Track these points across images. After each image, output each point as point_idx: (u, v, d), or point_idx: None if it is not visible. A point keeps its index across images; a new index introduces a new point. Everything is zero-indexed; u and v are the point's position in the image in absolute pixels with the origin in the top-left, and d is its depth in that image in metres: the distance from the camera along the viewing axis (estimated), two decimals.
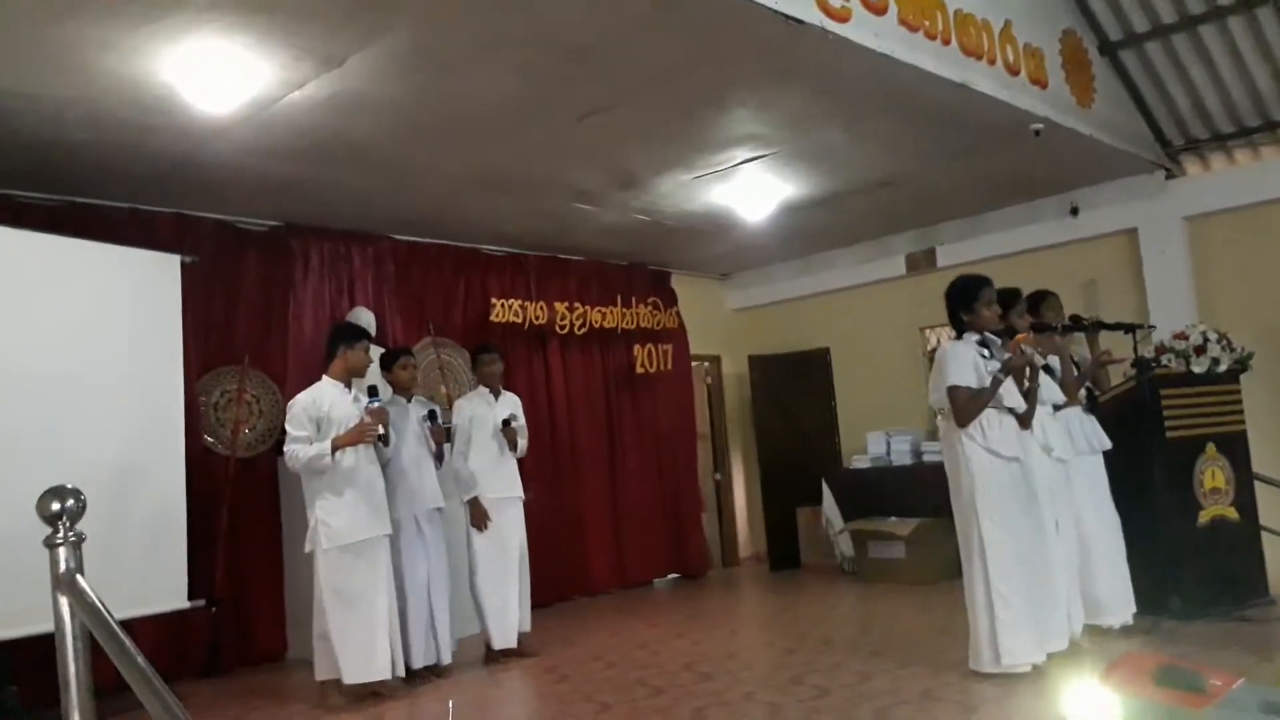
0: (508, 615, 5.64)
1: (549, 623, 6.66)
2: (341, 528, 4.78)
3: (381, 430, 4.88)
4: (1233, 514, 5.31)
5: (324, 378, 5.00)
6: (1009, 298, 4.83)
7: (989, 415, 4.31)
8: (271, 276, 6.48)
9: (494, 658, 5.62)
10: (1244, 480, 5.38)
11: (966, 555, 4.35)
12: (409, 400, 5.54)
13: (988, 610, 4.21)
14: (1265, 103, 6.67)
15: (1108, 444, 5.01)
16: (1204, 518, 5.22)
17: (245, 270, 6.38)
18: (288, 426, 4.86)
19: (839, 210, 7.53)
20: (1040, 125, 5.78)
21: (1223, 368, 5.33)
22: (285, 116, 4.78)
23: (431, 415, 5.54)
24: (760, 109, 5.37)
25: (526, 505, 5.95)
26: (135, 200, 5.86)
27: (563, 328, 7.94)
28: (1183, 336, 5.38)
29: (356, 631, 4.76)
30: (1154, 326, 5.96)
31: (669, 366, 8.78)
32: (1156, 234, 7.26)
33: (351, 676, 4.76)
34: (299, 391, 6.35)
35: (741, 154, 6.08)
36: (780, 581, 8.29)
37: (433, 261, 7.38)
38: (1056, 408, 4.85)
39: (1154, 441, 5.19)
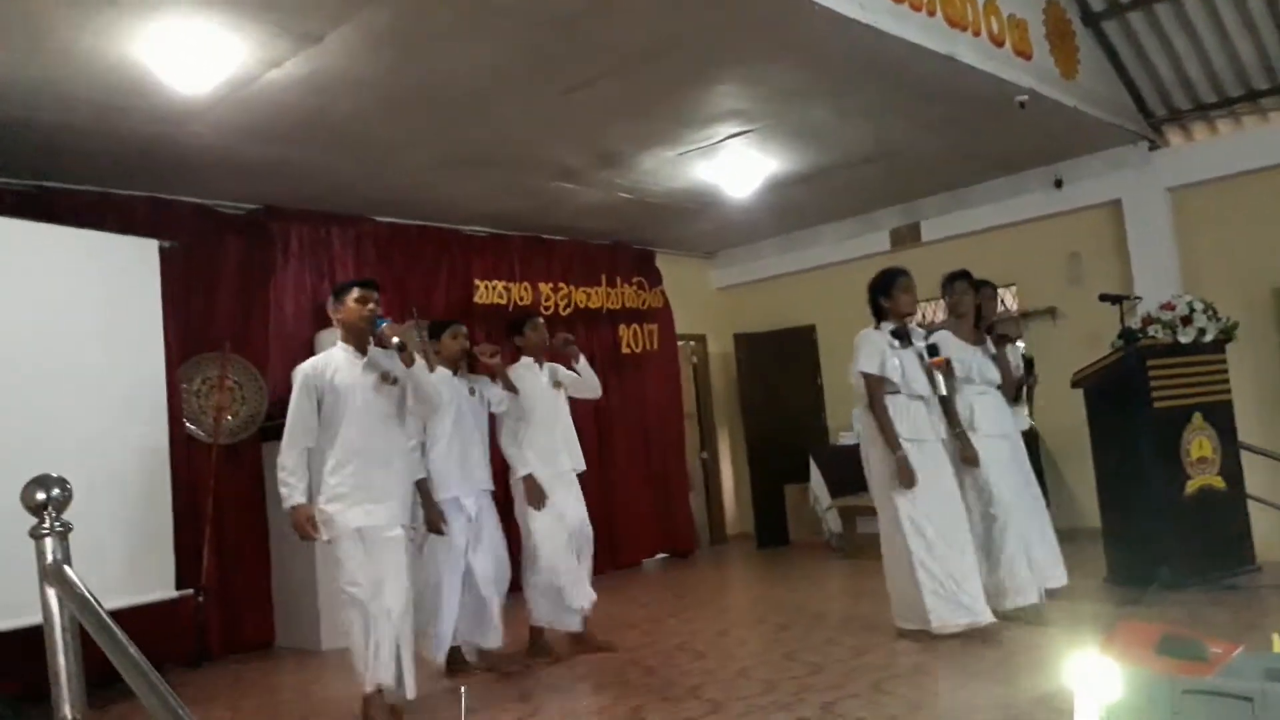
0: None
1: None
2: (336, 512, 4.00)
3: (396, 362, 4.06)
4: (1220, 483, 5.34)
5: (337, 343, 4.24)
6: (978, 285, 5.23)
7: (897, 400, 4.65)
8: (251, 261, 6.38)
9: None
10: (1230, 449, 5.41)
11: (886, 529, 4.71)
12: (455, 374, 4.92)
13: (912, 578, 4.53)
14: (1248, 72, 6.66)
15: (1024, 425, 5.42)
16: (1191, 487, 5.25)
17: (224, 255, 6.28)
18: (292, 403, 4.11)
19: (823, 186, 7.49)
20: (1025, 97, 5.75)
21: (1209, 338, 5.34)
22: (263, 96, 4.69)
23: (470, 391, 4.96)
24: (745, 84, 5.32)
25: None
26: (109, 184, 5.75)
27: (547, 308, 7.87)
28: (1169, 307, 5.39)
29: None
30: (1140, 298, 5.96)
31: (655, 346, 8.75)
32: (1140, 205, 7.26)
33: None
34: (281, 376, 6.35)
35: (726, 130, 6.03)
36: (769, 559, 8.30)
37: (414, 243, 7.30)
38: (999, 386, 5.12)
39: (1141, 412, 5.21)
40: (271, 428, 6.17)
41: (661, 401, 8.86)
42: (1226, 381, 5.49)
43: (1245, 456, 5.55)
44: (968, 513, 4.71)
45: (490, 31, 4.32)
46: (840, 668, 4.25)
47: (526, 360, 5.18)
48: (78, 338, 4.87)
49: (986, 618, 4.45)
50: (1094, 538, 5.82)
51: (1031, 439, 7.71)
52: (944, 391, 4.72)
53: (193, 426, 5.95)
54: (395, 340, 3.95)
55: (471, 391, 4.93)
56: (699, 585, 7.34)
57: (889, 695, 3.74)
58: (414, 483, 4.51)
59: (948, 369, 4.74)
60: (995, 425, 4.95)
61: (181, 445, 5.71)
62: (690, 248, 9.49)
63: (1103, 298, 5.42)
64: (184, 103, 4.62)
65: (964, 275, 5.15)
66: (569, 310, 8.03)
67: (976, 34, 5.38)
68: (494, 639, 4.88)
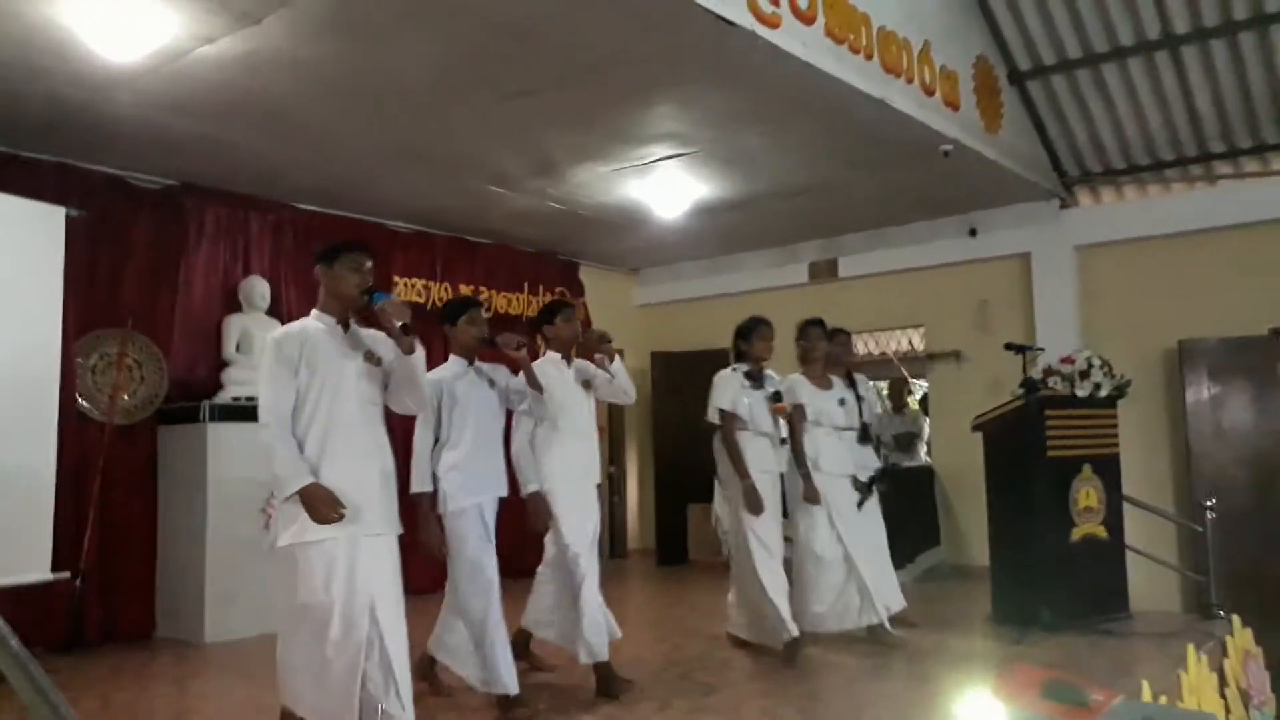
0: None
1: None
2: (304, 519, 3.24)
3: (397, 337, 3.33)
4: (1102, 532, 5.57)
5: (313, 310, 3.49)
6: (832, 333, 5.56)
7: (745, 436, 4.99)
8: (162, 237, 6.17)
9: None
10: (1114, 501, 5.65)
11: (738, 548, 4.99)
12: (470, 365, 4.24)
13: (764, 596, 4.80)
14: (1155, 143, 7.03)
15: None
16: (1076, 535, 5.46)
17: (135, 228, 6.05)
18: (259, 375, 3.38)
19: (750, 214, 7.61)
20: (950, 146, 5.96)
21: (1104, 393, 5.58)
22: (194, 71, 4.56)
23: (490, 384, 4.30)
24: (683, 106, 5.38)
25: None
26: (18, 146, 5.50)
27: None
28: (1069, 361, 5.61)
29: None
30: (1043, 349, 6.20)
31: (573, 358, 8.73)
32: (1048, 260, 7.57)
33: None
34: (184, 359, 6.16)
35: (661, 150, 6.08)
36: (668, 576, 8.35)
37: (335, 234, 7.00)
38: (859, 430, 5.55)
39: (1036, 459, 5.40)
40: (170, 410, 5.98)
41: None
42: (1115, 435, 5.74)
43: (1126, 508, 5.80)
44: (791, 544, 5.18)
45: (439, 28, 4.28)
46: (733, 691, 4.30)
47: (553, 355, 4.59)
48: None
49: (794, 632, 4.77)
50: (983, 576, 6.00)
51: (927, 477, 7.99)
52: (783, 435, 5.12)
53: (85, 403, 5.71)
54: (398, 322, 3.28)
55: (491, 384, 4.25)
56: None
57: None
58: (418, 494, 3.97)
59: (791, 414, 5.17)
60: (838, 465, 5.31)
61: (72, 422, 5.46)
62: (615, 263, 9.53)
63: (1008, 347, 5.62)
64: (108, 70, 4.46)
65: (818, 323, 5.46)
66: (489, 314, 7.93)
67: (910, 81, 5.55)
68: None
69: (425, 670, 4.33)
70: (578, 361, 4.68)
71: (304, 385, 3.28)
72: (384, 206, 7.16)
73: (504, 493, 4.22)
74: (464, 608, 4.05)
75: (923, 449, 8.41)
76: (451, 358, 4.24)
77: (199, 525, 5.70)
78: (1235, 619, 5.41)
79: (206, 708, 4.42)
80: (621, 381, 4.64)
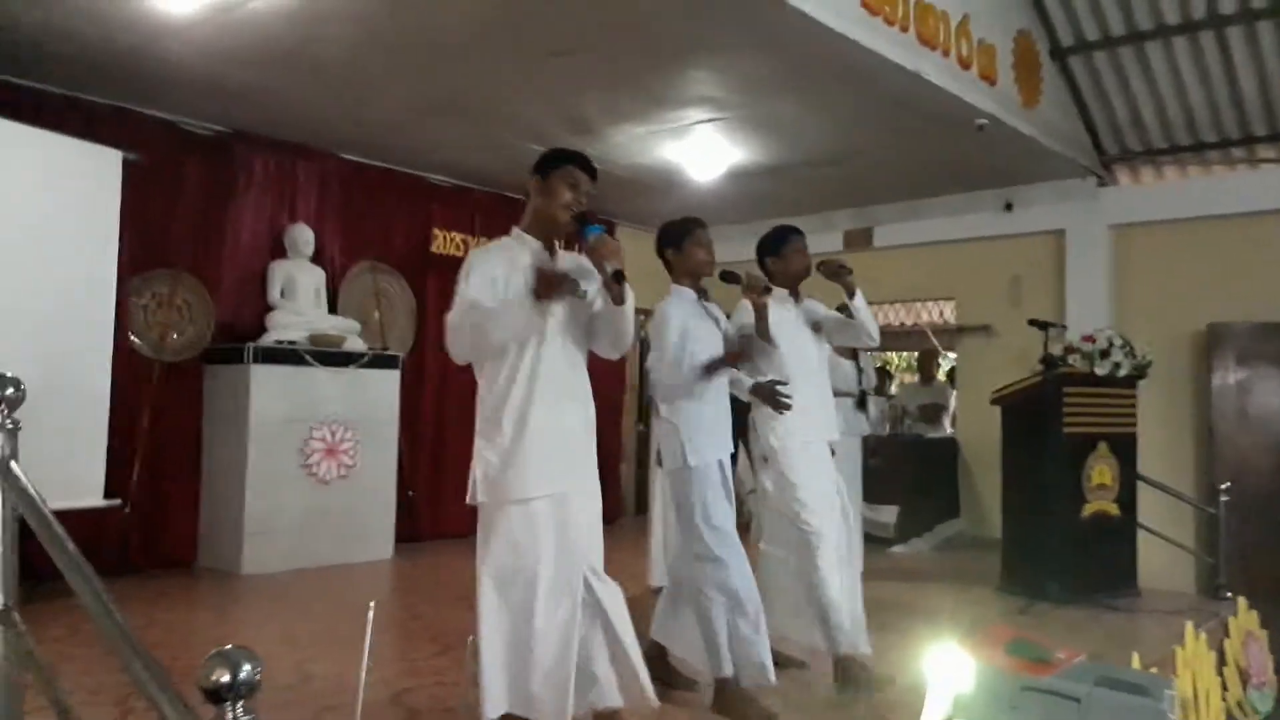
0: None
1: (464, 554, 6.83)
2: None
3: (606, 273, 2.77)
4: (1114, 510, 5.66)
5: (513, 229, 3.05)
6: None
7: None
8: (213, 182, 6.39)
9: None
10: (1128, 479, 5.73)
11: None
12: (701, 297, 3.70)
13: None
14: (1197, 123, 6.98)
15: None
16: (1088, 511, 5.56)
17: (186, 173, 6.28)
18: (460, 282, 2.87)
19: (784, 180, 7.67)
20: (985, 121, 5.98)
21: (1123, 372, 5.63)
22: (249, 21, 4.72)
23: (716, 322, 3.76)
24: (718, 71, 5.46)
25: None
26: (77, 89, 5.73)
27: None
28: (1090, 339, 5.66)
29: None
30: (1065, 326, 6.24)
31: None
32: (1083, 238, 7.56)
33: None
34: (231, 302, 6.41)
35: (697, 114, 6.17)
36: None
37: (377, 185, 7.34)
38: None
39: (1052, 435, 5.49)
40: (216, 350, 6.25)
41: (606, 371, 9.01)
42: (1134, 415, 5.80)
43: (1141, 487, 5.87)
44: None
45: None
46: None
47: (780, 293, 3.88)
48: (34, 238, 4.89)
49: None
50: (997, 549, 6.11)
51: (950, 448, 8.09)
52: None
53: (138, 340, 5.99)
54: (611, 268, 2.75)
55: (718, 322, 3.72)
56: (617, 551, 7.53)
57: None
58: None
59: None
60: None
61: (125, 357, 5.74)
62: (650, 224, 9.56)
63: (1031, 322, 5.69)
64: (165, 18, 4.65)
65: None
66: None
67: (945, 54, 5.57)
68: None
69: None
70: (807, 301, 4.06)
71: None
72: (425, 160, 7.32)
73: (732, 450, 3.66)
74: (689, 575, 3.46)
75: (948, 421, 8.49)
76: (675, 288, 3.66)
77: (239, 462, 5.98)
78: (1241, 600, 5.46)
79: (242, 633, 4.70)
80: (862, 319, 3.93)
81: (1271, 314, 6.69)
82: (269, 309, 6.44)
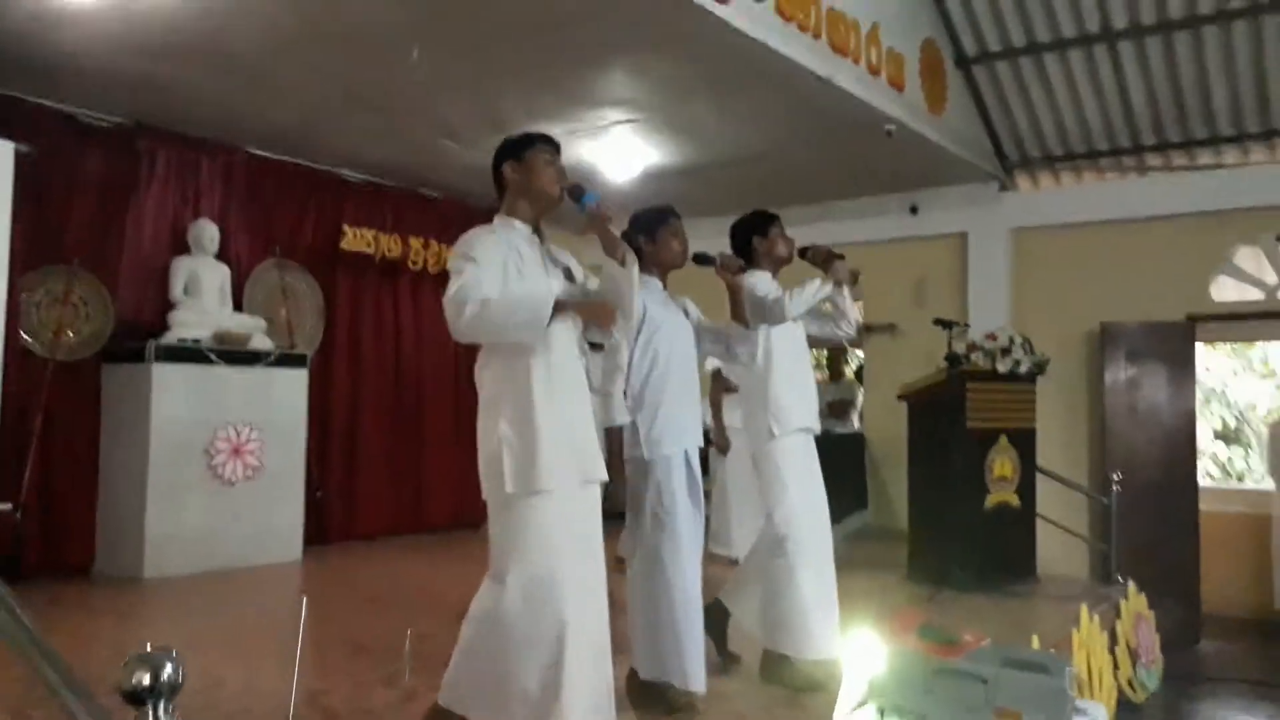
0: None
1: (373, 556, 6.75)
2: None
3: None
4: (1015, 500, 5.88)
5: (496, 219, 2.97)
6: None
7: None
8: (112, 176, 6.17)
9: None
10: (1028, 471, 5.96)
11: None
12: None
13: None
14: (1092, 132, 7.30)
15: None
16: (990, 502, 5.76)
17: (84, 166, 6.04)
18: (457, 263, 2.75)
19: (698, 182, 7.75)
20: (893, 126, 6.15)
21: (1023, 369, 5.86)
22: (154, 11, 4.58)
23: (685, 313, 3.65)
24: (635, 73, 5.50)
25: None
26: None
27: (415, 264, 7.88)
28: (992, 337, 5.87)
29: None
30: (968, 325, 6.46)
31: None
32: (984, 240, 7.85)
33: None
34: (131, 299, 6.19)
35: (614, 115, 6.20)
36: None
37: (286, 180, 7.18)
38: None
39: (955, 429, 5.68)
40: (115, 349, 6.03)
41: None
42: (1033, 410, 6.04)
43: (1039, 479, 6.11)
44: None
45: None
46: None
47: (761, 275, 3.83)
48: None
49: None
50: (903, 539, 6.30)
51: (858, 443, 8.29)
52: None
53: (29, 339, 5.74)
54: (616, 230, 2.81)
55: (686, 313, 3.63)
56: None
57: None
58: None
59: None
60: None
61: (16, 356, 5.49)
62: (566, 224, 9.58)
63: (936, 321, 5.88)
64: (63, 5, 4.47)
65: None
66: (438, 268, 8.03)
67: (856, 61, 5.72)
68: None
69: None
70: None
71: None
72: (336, 155, 7.19)
73: (701, 443, 3.54)
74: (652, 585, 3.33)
75: (856, 417, 8.70)
76: (641, 276, 3.31)
77: (141, 464, 5.78)
78: (1131, 584, 5.78)
79: (146, 638, 4.53)
80: (845, 309, 3.94)
81: (1160, 313, 7.06)
82: (171, 307, 6.24)
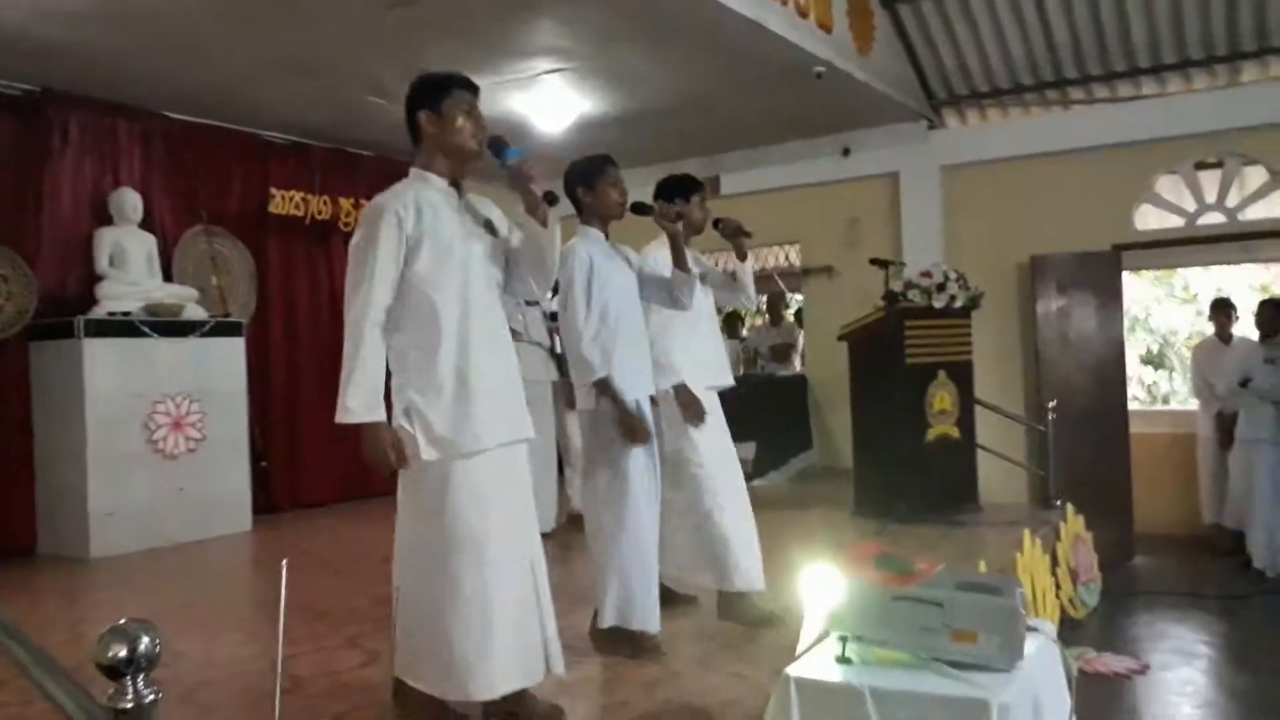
0: None
1: (322, 523, 6.71)
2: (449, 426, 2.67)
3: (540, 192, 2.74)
4: (955, 433, 6.03)
5: (411, 170, 2.85)
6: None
7: None
8: (24, 146, 5.93)
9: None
10: (967, 404, 6.11)
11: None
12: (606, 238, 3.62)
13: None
14: (1016, 68, 7.41)
15: None
16: (931, 435, 5.91)
17: None
18: (359, 249, 2.69)
19: (634, 130, 7.70)
20: (823, 68, 6.17)
21: (959, 304, 5.97)
22: None
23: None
24: (563, 22, 5.42)
25: None
26: None
27: (346, 225, 7.71)
28: (927, 275, 5.97)
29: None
30: (904, 264, 6.57)
31: None
32: (915, 179, 7.95)
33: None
34: (53, 272, 5.98)
35: (543, 65, 6.11)
36: None
37: (208, 144, 6.96)
38: None
39: (895, 366, 5.79)
40: (41, 326, 5.84)
41: None
42: (969, 343, 6.17)
43: (979, 411, 6.28)
44: None
45: None
46: None
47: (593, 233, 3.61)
48: None
49: None
50: (849, 477, 6.43)
51: (800, 385, 8.43)
52: None
53: None
54: (540, 189, 2.72)
55: (629, 262, 3.67)
56: None
57: None
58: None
59: None
60: None
61: None
62: (498, 178, 9.47)
63: (872, 261, 5.97)
64: None
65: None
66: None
67: (784, 3, 5.70)
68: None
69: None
70: (694, 252, 3.92)
71: (426, 264, 2.65)
72: (259, 116, 6.98)
73: (654, 391, 3.59)
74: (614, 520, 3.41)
75: (797, 359, 8.83)
76: (583, 229, 3.54)
77: (78, 442, 5.64)
78: (1069, 507, 6.00)
79: (98, 616, 4.48)
80: (746, 283, 4.07)
81: (1086, 244, 7.24)
82: (98, 279, 6.05)
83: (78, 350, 5.66)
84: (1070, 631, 5.30)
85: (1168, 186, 7.31)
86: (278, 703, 1.70)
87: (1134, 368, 11.37)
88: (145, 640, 1.33)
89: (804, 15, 5.91)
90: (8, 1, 4.66)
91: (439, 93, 2.78)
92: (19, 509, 5.82)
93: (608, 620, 3.43)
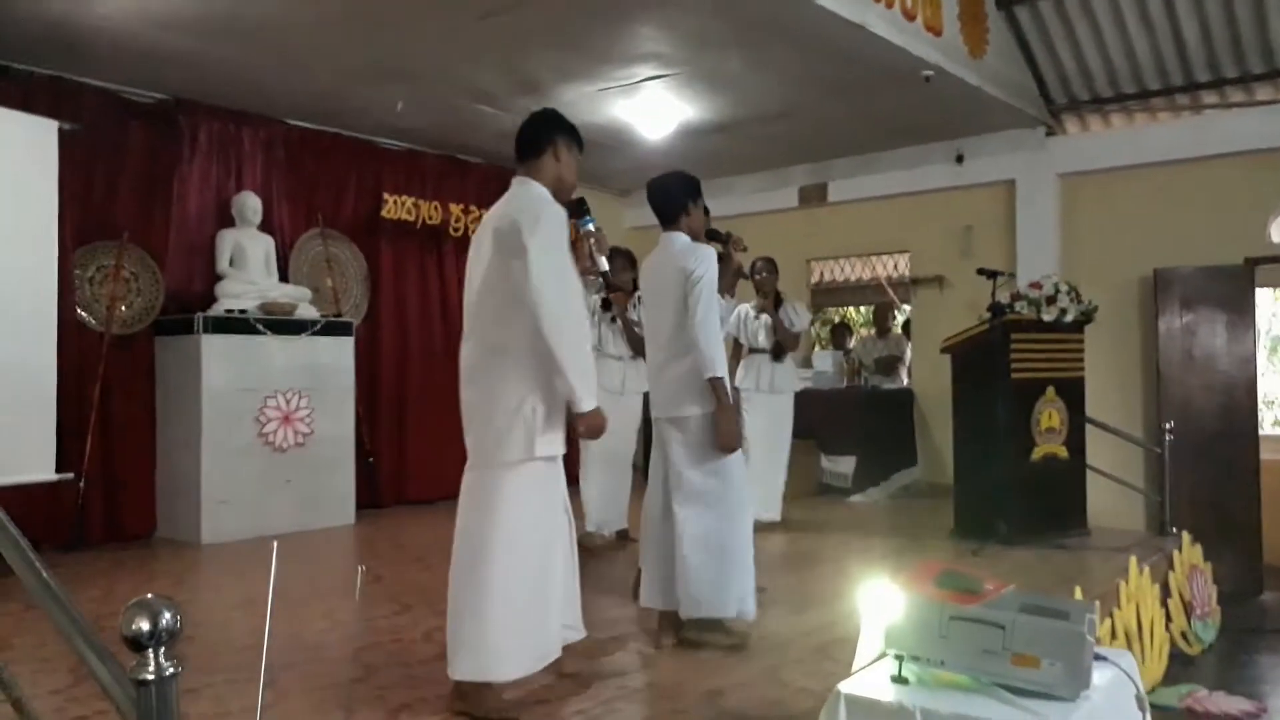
0: None
1: (424, 519, 6.88)
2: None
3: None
4: (1063, 452, 5.77)
5: (534, 185, 3.05)
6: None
7: None
8: (156, 151, 6.30)
9: None
10: (1077, 422, 5.84)
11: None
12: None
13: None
14: (1142, 71, 7.05)
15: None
16: (1037, 454, 5.67)
17: (129, 142, 6.18)
18: (538, 258, 2.82)
19: (737, 137, 7.67)
20: (931, 72, 6.00)
21: (1069, 318, 5.72)
22: None
23: None
24: (664, 28, 5.43)
25: None
26: (10, 59, 5.60)
27: (457, 230, 7.92)
28: (1037, 286, 5.74)
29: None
30: (1013, 275, 6.32)
31: None
32: (1032, 187, 7.64)
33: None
34: (179, 271, 6.33)
35: (645, 71, 6.14)
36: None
37: (325, 150, 7.26)
38: None
39: (1000, 381, 5.57)
40: (166, 321, 6.19)
41: None
42: (1081, 359, 5.90)
43: (1089, 430, 5.98)
44: None
45: None
46: None
47: None
48: None
49: None
50: (952, 495, 6.22)
51: (906, 399, 8.21)
52: None
53: (84, 314, 5.92)
54: (602, 262, 3.17)
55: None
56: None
57: None
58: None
59: None
60: None
61: (73, 331, 5.69)
62: (606, 184, 9.59)
63: (979, 271, 5.75)
64: None
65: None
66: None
67: (890, 6, 5.57)
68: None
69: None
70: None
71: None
72: (373, 124, 7.24)
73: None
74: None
75: (904, 372, 8.60)
76: (682, 237, 3.77)
77: (195, 432, 5.95)
78: (1185, 535, 5.65)
79: (200, 599, 4.71)
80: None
81: (1214, 257, 6.82)
82: (218, 279, 6.37)
83: (197, 346, 5.96)
84: (1182, 668, 4.99)
85: None
86: (260, 692, 1.72)
87: (1276, 391, 10.66)
88: (167, 615, 1.37)
89: (910, 18, 5.76)
90: (139, 15, 4.96)
91: (574, 134, 3.14)
92: (141, 495, 6.17)
93: (732, 611, 3.57)
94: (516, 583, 2.88)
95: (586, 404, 2.89)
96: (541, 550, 2.95)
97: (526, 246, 2.81)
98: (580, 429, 2.94)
